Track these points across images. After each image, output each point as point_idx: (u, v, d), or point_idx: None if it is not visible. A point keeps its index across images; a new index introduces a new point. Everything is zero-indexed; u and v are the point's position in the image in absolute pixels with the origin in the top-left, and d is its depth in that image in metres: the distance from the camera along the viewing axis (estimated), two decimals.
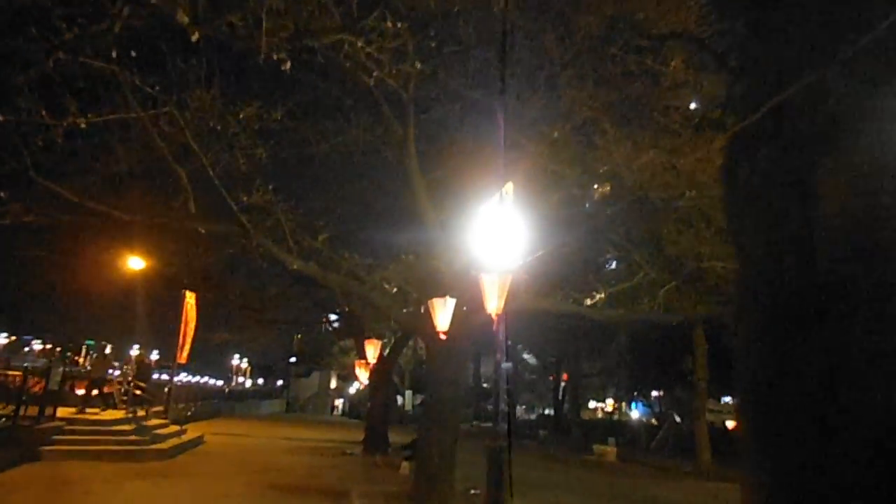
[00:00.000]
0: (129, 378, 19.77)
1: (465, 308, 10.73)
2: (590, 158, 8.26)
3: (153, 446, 14.68)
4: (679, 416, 31.70)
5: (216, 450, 17.29)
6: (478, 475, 14.29)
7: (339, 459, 17.01)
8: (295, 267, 9.12)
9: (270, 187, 8.45)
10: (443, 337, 8.77)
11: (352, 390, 69.09)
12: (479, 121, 9.67)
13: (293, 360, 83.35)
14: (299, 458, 16.80)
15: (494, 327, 6.77)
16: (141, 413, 18.45)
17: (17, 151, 6.95)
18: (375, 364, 15.31)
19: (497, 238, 6.82)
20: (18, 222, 7.97)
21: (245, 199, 8.46)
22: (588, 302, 9.74)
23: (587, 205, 9.13)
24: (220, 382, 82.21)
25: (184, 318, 19.14)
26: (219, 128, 7.58)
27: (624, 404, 53.58)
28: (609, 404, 55.88)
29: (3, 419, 11.94)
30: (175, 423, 18.65)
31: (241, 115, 7.47)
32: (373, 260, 10.10)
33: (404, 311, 10.61)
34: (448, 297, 8.56)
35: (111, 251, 16.98)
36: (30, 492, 9.69)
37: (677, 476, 19.63)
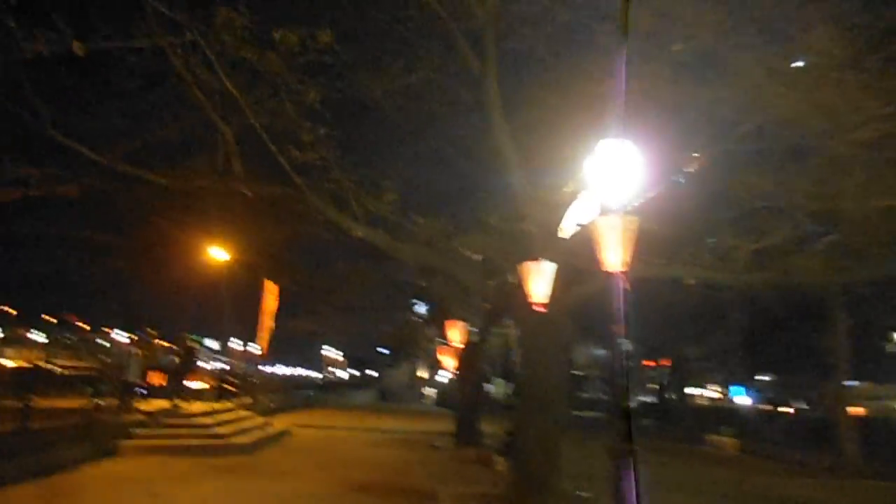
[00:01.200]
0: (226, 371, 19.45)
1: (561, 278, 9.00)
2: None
3: (235, 440, 13.90)
4: (806, 402, 28.23)
5: (301, 443, 16.42)
6: (583, 473, 12.45)
7: (429, 453, 15.66)
8: (359, 234, 7.71)
9: (323, 133, 7.03)
10: (539, 309, 7.05)
11: (442, 380, 68.62)
12: (575, 48, 7.81)
13: (384, 351, 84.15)
14: (387, 451, 15.60)
15: (620, 288, 4.97)
16: (227, 405, 17.98)
17: (31, 107, 5.97)
18: (462, 349, 13.76)
19: (615, 173, 5.02)
20: (58, 195, 7.09)
21: (298, 155, 7.13)
22: (723, 265, 7.68)
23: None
24: (317, 374, 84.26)
25: (263, 308, 18.54)
26: (256, 60, 6.25)
27: (727, 390, 49.51)
28: (713, 390, 51.90)
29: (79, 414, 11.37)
30: (262, 414, 17.97)
31: (277, 38, 6.08)
32: (451, 225, 8.50)
33: (491, 283, 8.99)
34: (544, 261, 6.83)
35: (196, 247, 16.59)
36: (92, 492, 8.89)
37: (815, 472, 16.84)
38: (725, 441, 20.09)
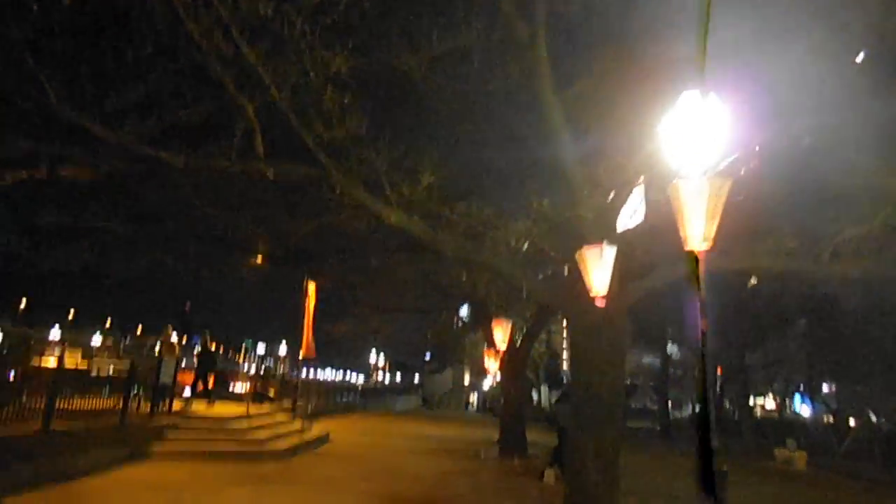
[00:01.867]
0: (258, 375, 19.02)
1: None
2: None
3: (270, 446, 13.29)
4: (874, 413, 26.08)
5: (339, 450, 15.72)
6: (642, 489, 11.32)
7: (473, 463, 14.73)
8: (393, 220, 6.89)
9: (349, 104, 6.24)
10: (599, 304, 6.08)
11: (485, 386, 67.49)
12: (636, 9, 6.84)
13: (427, 356, 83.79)
14: (429, 460, 14.74)
15: (701, 274, 4.00)
16: (264, 409, 17.49)
17: (37, 82, 5.42)
18: (506, 352, 12.83)
19: (699, 131, 4.06)
20: (69, 177, 6.56)
21: (324, 132, 6.39)
22: (809, 255, 6.53)
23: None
24: (361, 378, 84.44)
25: (306, 310, 18.01)
26: (273, 18, 5.53)
27: (788, 400, 46.66)
28: (770, 400, 49.14)
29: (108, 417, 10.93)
30: (301, 419, 17.38)
31: None
32: (495, 213, 7.59)
33: (539, 278, 8.06)
34: (605, 246, 5.87)
35: (240, 251, 16.18)
36: (112, 500, 8.32)
37: None
38: (794, 455, 18.45)
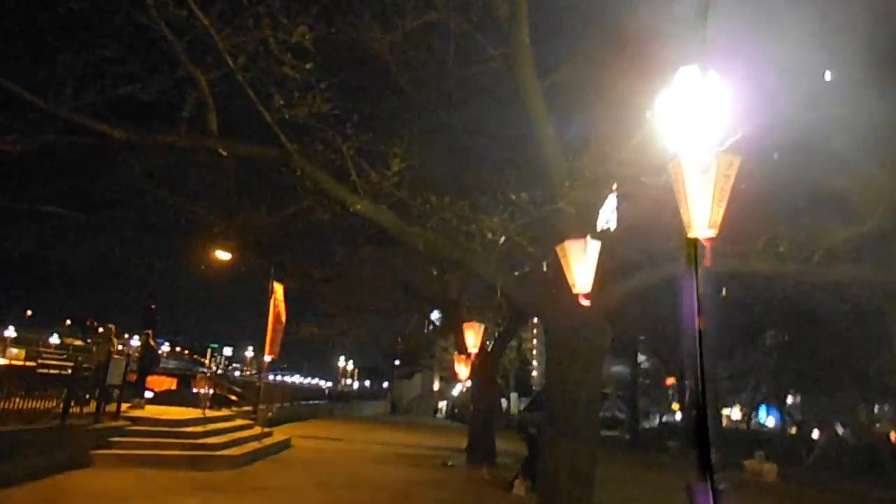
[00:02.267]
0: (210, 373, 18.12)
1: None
2: None
3: (225, 452, 12.49)
4: (841, 425, 26.24)
5: (301, 456, 14.98)
6: (616, 502, 10.86)
7: (440, 472, 14.13)
8: (359, 209, 6.32)
9: (313, 77, 5.63)
10: (583, 302, 5.59)
11: (455, 392, 66.94)
12: None
13: (396, 362, 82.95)
14: (393, 469, 14.11)
15: (700, 269, 3.54)
16: (222, 413, 16.64)
17: None
18: (477, 357, 12.31)
19: (697, 111, 3.61)
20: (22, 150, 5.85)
21: (284, 107, 5.79)
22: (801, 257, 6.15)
23: None
24: (328, 383, 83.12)
25: (272, 311, 17.27)
26: None
27: (752, 412, 46.99)
28: (736, 411, 49.48)
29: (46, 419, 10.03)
30: (263, 424, 16.56)
31: None
32: (468, 206, 7.07)
33: (516, 273, 7.58)
34: (589, 240, 5.38)
35: (202, 248, 15.44)
36: None
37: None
38: (764, 467, 18.28)
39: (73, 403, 10.80)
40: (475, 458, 15.45)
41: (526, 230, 6.98)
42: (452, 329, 17.14)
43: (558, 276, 7.92)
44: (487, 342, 17.48)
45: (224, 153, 6.05)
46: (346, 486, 11.14)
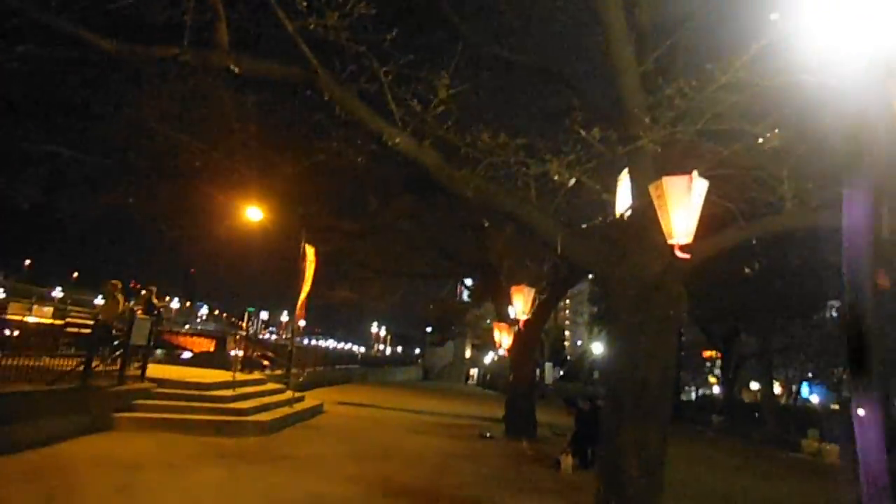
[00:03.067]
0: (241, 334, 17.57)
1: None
2: None
3: (254, 417, 11.84)
4: None
5: (333, 423, 14.32)
6: (679, 483, 9.83)
7: (478, 444, 13.30)
8: (399, 144, 5.28)
9: None
10: (683, 255, 4.48)
11: (487, 360, 66.53)
12: None
13: (428, 329, 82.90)
14: (429, 439, 13.32)
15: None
16: (253, 376, 16.07)
17: None
18: (525, 323, 11.24)
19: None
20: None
21: (311, 20, 4.74)
22: None
23: None
24: (362, 349, 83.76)
25: (303, 275, 16.54)
26: None
27: (794, 387, 45.07)
28: (777, 387, 47.68)
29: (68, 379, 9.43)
30: (295, 388, 15.93)
31: None
32: (526, 147, 5.95)
33: (583, 226, 6.48)
34: (696, 177, 4.22)
35: (233, 209, 14.80)
36: (54, 477, 6.87)
37: None
38: (823, 448, 16.97)
39: (95, 364, 10.24)
40: (514, 430, 14.59)
41: (597, 172, 5.84)
42: (491, 295, 16.15)
43: (627, 232, 6.80)
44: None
45: (236, 70, 5.03)
46: (380, 458, 10.36)
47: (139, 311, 11.67)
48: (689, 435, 21.66)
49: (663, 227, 4.56)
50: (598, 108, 6.55)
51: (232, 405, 11.96)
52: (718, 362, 56.17)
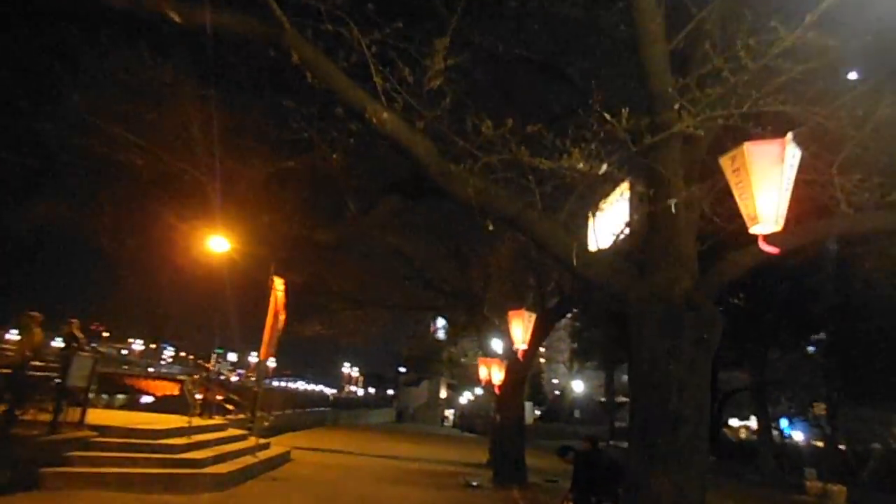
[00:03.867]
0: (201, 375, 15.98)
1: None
2: None
3: (211, 469, 10.32)
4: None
5: (302, 473, 12.79)
6: None
7: (463, 495, 11.91)
8: (385, 118, 4.21)
9: None
10: (769, 249, 3.47)
11: (463, 400, 64.66)
12: None
13: (402, 369, 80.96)
14: (409, 490, 11.89)
15: None
16: (213, 421, 14.47)
17: None
18: (521, 356, 9.99)
19: None
20: None
21: None
22: None
23: None
24: (333, 391, 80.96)
25: (272, 309, 15.21)
26: None
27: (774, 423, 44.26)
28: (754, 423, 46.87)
29: None
30: (260, 435, 14.34)
31: None
32: (537, 129, 4.95)
33: (621, 236, 5.47)
34: (789, 142, 3.23)
35: (196, 240, 13.63)
36: None
37: None
38: (831, 489, 15.93)
39: (20, 412, 8.72)
40: (502, 477, 13.24)
41: (631, 162, 4.87)
42: (475, 328, 14.99)
43: (652, 242, 5.81)
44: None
45: (177, 19, 3.95)
46: None
47: (75, 347, 10.18)
48: None
49: (743, 210, 3.54)
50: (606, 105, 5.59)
51: (185, 455, 10.42)
52: None
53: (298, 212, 6.03)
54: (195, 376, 16.67)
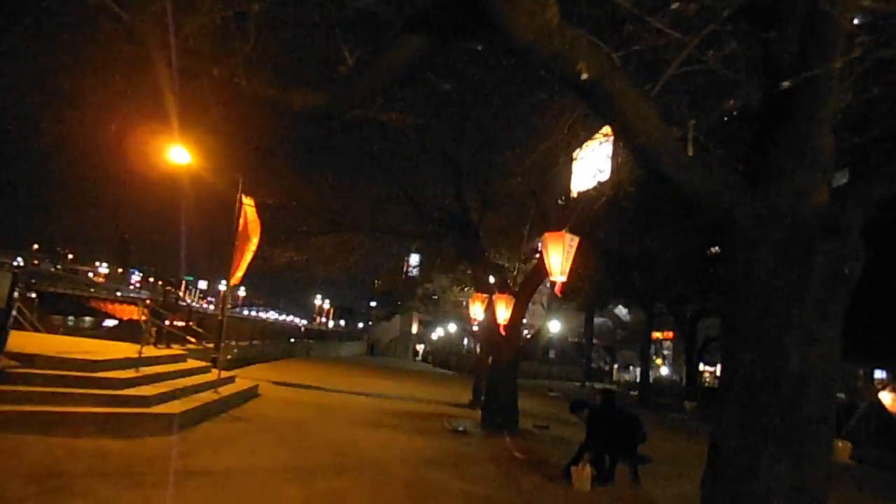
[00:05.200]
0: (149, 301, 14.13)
1: None
2: None
3: (159, 408, 8.65)
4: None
5: (269, 412, 11.26)
6: None
7: (451, 443, 10.54)
8: None
9: None
10: None
11: (433, 336, 64.19)
12: None
13: (373, 303, 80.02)
14: (390, 435, 10.48)
15: None
16: (170, 351, 12.75)
17: None
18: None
19: None
20: None
21: None
22: None
23: None
24: (304, 322, 79.96)
25: (241, 231, 13.32)
26: None
27: None
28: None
29: None
30: (223, 367, 12.67)
31: None
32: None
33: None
34: None
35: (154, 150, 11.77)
36: None
37: None
38: (835, 444, 15.12)
39: None
40: (492, 422, 11.92)
41: None
42: (470, 260, 13.32)
43: (774, 137, 4.08)
44: (517, 275, 13.78)
45: None
46: (332, 471, 7.44)
47: None
48: (673, 425, 19.70)
49: None
50: None
51: (129, 391, 8.71)
52: (667, 343, 55.80)
53: (272, 60, 4.09)
54: (146, 301, 14.81)
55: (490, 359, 12.70)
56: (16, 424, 7.06)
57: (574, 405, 8.62)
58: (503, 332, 10.85)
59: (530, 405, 16.73)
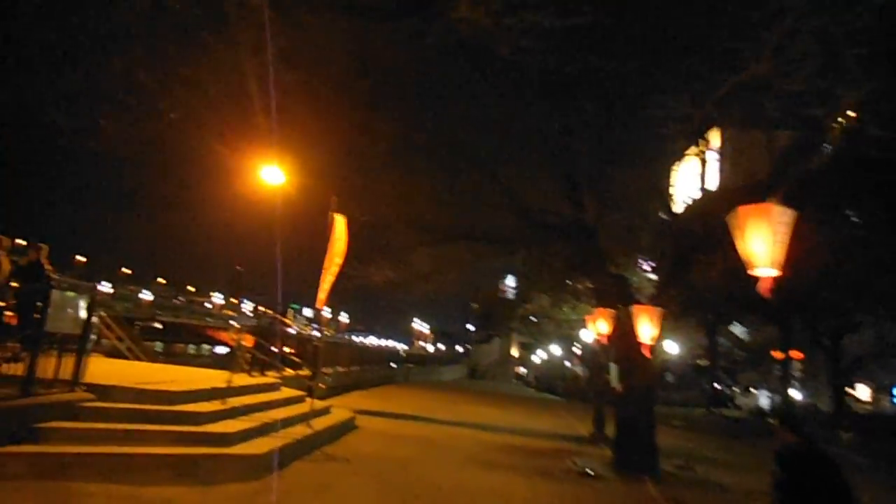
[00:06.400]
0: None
1: None
2: None
3: (241, 448, 7.41)
4: None
5: (367, 450, 9.80)
6: None
7: (581, 490, 8.56)
8: None
9: None
10: None
11: (535, 359, 61.51)
12: None
13: (471, 326, 78.63)
14: (506, 479, 8.67)
15: None
16: (261, 380, 11.71)
17: None
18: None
19: None
20: None
21: None
22: None
23: None
24: (403, 346, 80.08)
25: (329, 251, 12.22)
26: None
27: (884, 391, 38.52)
28: (863, 390, 41.18)
29: None
30: (318, 395, 11.46)
31: None
32: None
33: None
34: None
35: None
36: None
37: None
38: None
39: None
40: (627, 463, 9.79)
41: None
42: (586, 269, 11.38)
43: None
44: (636, 296, 11.59)
45: None
46: None
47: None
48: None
49: None
50: None
51: (210, 427, 7.56)
52: (797, 364, 49.76)
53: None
54: (235, 326, 14.00)
55: (621, 385, 10.58)
56: (78, 469, 6.01)
57: (779, 459, 4.86)
58: (646, 353, 8.79)
59: (659, 439, 14.28)
